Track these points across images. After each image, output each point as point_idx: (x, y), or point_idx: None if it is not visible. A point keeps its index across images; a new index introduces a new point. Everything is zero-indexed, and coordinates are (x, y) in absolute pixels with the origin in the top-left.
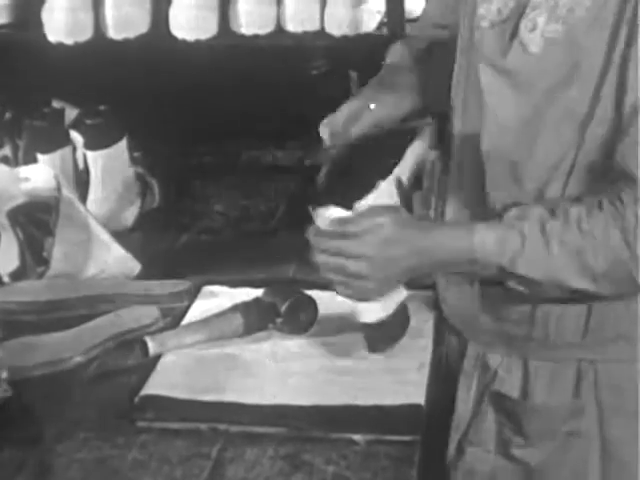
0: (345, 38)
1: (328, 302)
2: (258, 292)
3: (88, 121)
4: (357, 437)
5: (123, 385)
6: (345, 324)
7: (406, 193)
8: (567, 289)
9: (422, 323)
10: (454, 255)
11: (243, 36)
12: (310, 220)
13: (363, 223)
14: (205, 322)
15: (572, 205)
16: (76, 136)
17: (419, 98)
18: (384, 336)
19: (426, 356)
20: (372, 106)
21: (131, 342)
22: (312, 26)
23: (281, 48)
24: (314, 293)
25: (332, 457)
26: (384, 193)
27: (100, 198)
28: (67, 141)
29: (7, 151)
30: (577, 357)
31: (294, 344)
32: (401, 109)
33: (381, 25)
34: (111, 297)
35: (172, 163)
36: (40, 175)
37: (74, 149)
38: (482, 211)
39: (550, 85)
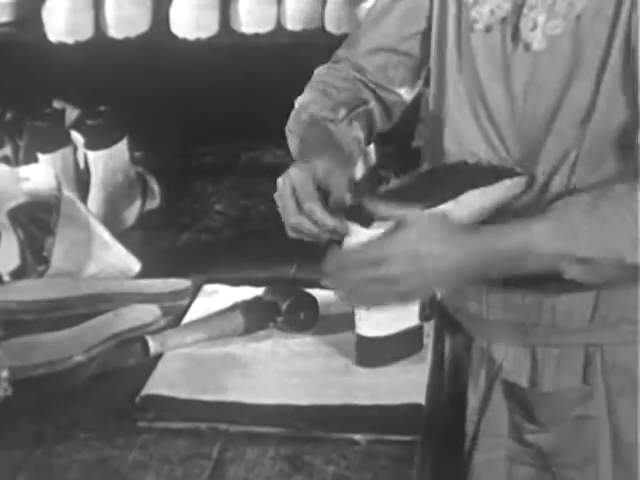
0: (345, 36)
1: (329, 301)
2: (259, 291)
3: (89, 121)
4: (357, 437)
5: (123, 385)
6: (346, 323)
7: None
8: (624, 266)
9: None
10: (507, 252)
11: (243, 35)
12: None
13: (404, 217)
14: (206, 321)
15: (617, 184)
16: (77, 136)
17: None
18: (374, 353)
19: (426, 355)
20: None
21: (132, 341)
22: (312, 25)
23: (281, 47)
24: (315, 292)
25: (332, 457)
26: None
27: (101, 198)
28: (68, 141)
29: (8, 151)
30: (584, 342)
31: (295, 343)
32: (356, 152)
33: None
34: (111, 296)
35: (172, 163)
36: (41, 175)
37: (75, 149)
38: None
39: (555, 81)
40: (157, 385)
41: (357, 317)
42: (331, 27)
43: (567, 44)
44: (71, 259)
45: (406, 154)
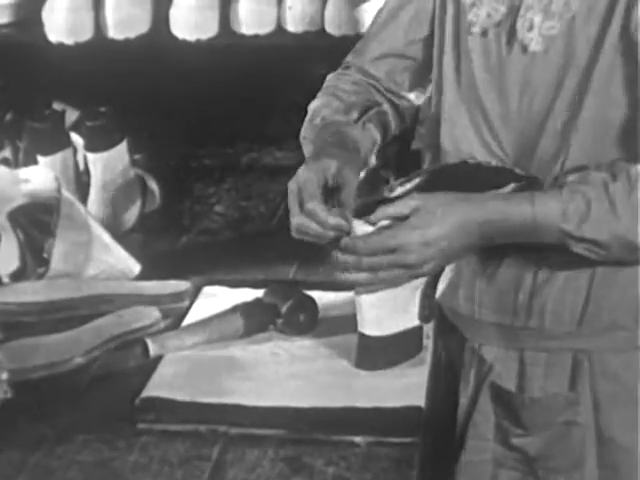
0: (345, 38)
1: (329, 303)
2: (259, 293)
3: (89, 123)
4: (357, 439)
5: (124, 387)
6: (346, 325)
7: None
8: (634, 249)
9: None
10: (515, 224)
11: (243, 36)
12: None
13: (409, 203)
14: (205, 323)
15: (631, 166)
16: (77, 138)
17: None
18: (374, 355)
19: (426, 357)
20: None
21: (132, 343)
22: (312, 26)
23: (281, 48)
24: (315, 294)
25: (332, 459)
26: None
27: (100, 199)
28: (68, 143)
29: (7, 153)
30: (573, 347)
31: (295, 345)
32: (367, 156)
33: None
34: (111, 298)
35: (172, 164)
36: (40, 176)
37: (75, 151)
38: None
39: (549, 81)
40: (157, 387)
41: (359, 316)
42: (331, 29)
43: (561, 44)
44: (71, 261)
45: (406, 155)
